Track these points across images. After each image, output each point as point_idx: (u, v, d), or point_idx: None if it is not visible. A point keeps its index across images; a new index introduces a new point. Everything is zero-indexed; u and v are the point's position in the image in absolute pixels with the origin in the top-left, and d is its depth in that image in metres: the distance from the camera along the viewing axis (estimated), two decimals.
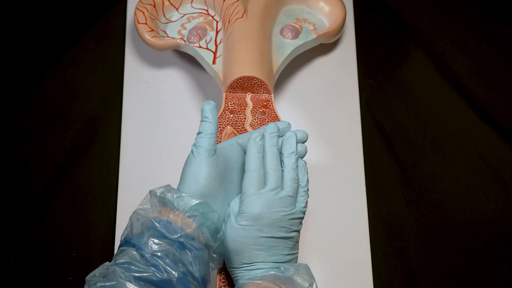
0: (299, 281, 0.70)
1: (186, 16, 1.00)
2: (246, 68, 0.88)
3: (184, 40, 0.97)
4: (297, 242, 0.75)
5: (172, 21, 1.00)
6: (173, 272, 0.67)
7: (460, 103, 1.05)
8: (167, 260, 0.68)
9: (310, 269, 0.73)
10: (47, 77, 1.05)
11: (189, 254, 0.70)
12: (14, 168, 0.99)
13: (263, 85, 0.89)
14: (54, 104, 1.03)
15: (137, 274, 0.66)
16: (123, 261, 0.67)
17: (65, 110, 1.03)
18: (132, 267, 0.67)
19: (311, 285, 0.71)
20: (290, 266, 0.71)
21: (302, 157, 0.78)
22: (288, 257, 0.73)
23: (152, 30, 0.97)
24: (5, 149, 1.00)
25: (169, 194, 0.72)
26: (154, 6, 0.99)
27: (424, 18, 1.11)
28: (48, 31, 1.07)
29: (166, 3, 1.00)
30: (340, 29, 1.00)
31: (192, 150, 0.74)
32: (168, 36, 0.98)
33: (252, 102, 0.89)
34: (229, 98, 0.89)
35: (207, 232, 0.72)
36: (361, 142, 0.99)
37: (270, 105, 0.89)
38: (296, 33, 0.97)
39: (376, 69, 1.07)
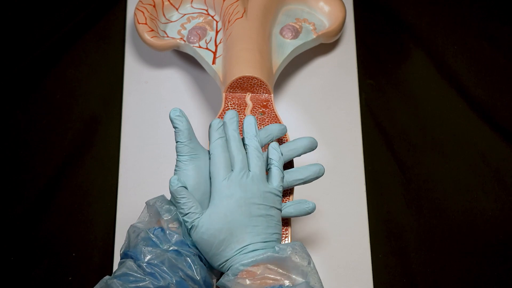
0: (298, 260, 0.70)
1: (186, 16, 1.00)
2: (245, 68, 0.88)
3: (184, 40, 0.97)
4: (279, 221, 0.74)
5: (172, 21, 1.00)
6: (169, 278, 0.69)
7: (460, 103, 1.05)
8: (163, 267, 0.69)
9: (305, 247, 0.72)
10: (47, 77, 1.05)
11: (186, 259, 0.71)
12: (14, 168, 0.99)
13: (263, 85, 0.89)
14: (54, 104, 1.03)
15: (134, 285, 0.67)
16: (120, 272, 0.69)
17: (65, 110, 1.03)
18: (130, 278, 0.68)
19: (309, 263, 0.71)
20: (286, 246, 0.71)
21: (277, 137, 0.80)
22: (274, 236, 0.73)
23: (152, 30, 0.97)
24: (5, 149, 1.00)
25: (161, 204, 0.73)
26: (154, 6, 0.99)
27: (424, 18, 1.10)
28: (48, 31, 1.07)
29: (166, 3, 1.00)
30: (340, 29, 1.00)
31: (176, 163, 0.75)
32: (168, 36, 0.98)
33: (252, 102, 0.89)
34: (229, 98, 0.89)
35: (190, 240, 0.73)
36: (361, 142, 0.99)
37: (269, 105, 0.89)
38: (296, 33, 0.97)
39: (376, 69, 1.07)
